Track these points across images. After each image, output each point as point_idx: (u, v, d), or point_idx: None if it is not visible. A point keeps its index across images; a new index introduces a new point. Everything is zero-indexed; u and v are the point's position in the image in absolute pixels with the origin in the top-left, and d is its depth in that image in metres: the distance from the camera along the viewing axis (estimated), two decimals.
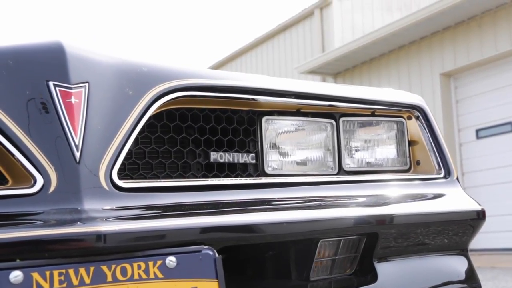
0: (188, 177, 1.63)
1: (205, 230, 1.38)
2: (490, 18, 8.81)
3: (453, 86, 9.54)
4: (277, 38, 14.02)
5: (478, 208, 1.86)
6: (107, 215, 1.29)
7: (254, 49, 14.90)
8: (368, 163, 1.92)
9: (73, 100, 1.33)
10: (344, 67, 11.36)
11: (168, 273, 1.28)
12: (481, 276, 1.99)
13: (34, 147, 1.29)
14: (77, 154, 1.30)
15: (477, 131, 9.14)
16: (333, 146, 1.83)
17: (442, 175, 1.94)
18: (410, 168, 1.98)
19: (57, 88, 1.33)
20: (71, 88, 1.34)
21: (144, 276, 1.25)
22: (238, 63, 15.56)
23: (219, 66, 16.38)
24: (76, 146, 1.31)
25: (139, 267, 1.26)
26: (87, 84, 1.37)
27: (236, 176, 1.67)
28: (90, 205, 1.28)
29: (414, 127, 1.99)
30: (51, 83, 1.33)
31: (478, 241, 6.53)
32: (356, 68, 11.23)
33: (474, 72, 9.23)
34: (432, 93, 9.57)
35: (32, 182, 1.28)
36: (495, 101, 8.86)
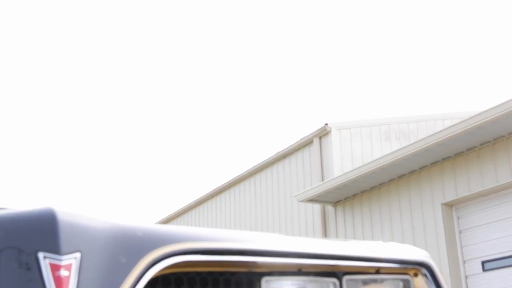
0: None
1: None
2: (489, 149, 8.90)
3: (455, 216, 9.46)
4: (276, 166, 14.13)
5: None
6: None
7: (253, 177, 14.97)
8: None
9: (62, 273, 1.26)
10: (344, 196, 11.34)
11: None
12: None
13: None
14: None
15: (483, 263, 8.94)
16: None
17: None
18: None
19: (47, 260, 1.27)
20: (61, 260, 1.28)
21: None
22: (237, 191, 15.58)
23: (217, 193, 16.40)
24: None
25: None
26: (78, 254, 1.31)
27: None
28: None
29: (421, 284, 1.91)
30: (40, 255, 1.27)
31: None
32: (356, 197, 11.21)
33: (477, 203, 9.18)
34: (434, 223, 9.48)
35: None
36: (500, 232, 8.73)
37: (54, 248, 1.29)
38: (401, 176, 10.30)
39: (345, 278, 1.78)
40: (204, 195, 16.96)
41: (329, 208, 11.94)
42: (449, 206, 9.53)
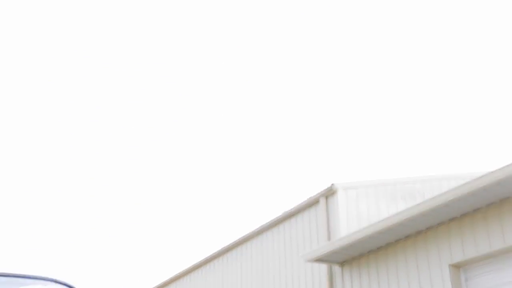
0: None
1: None
2: (495, 210, 8.94)
3: (463, 277, 9.42)
4: (282, 226, 14.14)
5: None
6: None
7: (259, 236, 14.95)
8: None
9: None
10: (350, 256, 11.32)
11: None
12: None
13: None
14: None
15: None
16: None
17: None
18: None
19: None
20: None
21: None
22: (243, 251, 15.53)
23: (223, 253, 16.33)
24: None
25: None
26: None
27: None
28: None
29: None
30: None
31: None
32: (363, 257, 11.19)
33: (485, 264, 9.15)
34: (442, 284, 9.43)
35: None
36: None
37: None
38: (407, 237, 10.30)
39: None
40: (210, 255, 16.90)
41: (336, 268, 11.89)
42: (457, 267, 9.50)
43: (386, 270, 10.59)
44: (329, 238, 12.31)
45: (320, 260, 11.59)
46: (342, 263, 11.65)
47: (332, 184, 12.61)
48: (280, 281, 13.71)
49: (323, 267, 12.27)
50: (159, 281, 19.46)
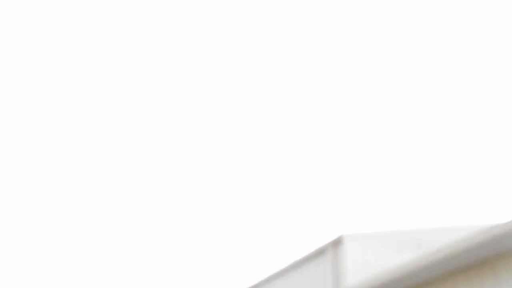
0: None
1: None
2: (503, 262, 8.89)
3: None
4: (289, 275, 14.06)
5: None
6: None
7: (266, 286, 14.86)
8: None
9: None
10: None
11: None
12: None
13: None
14: None
15: None
16: None
17: None
18: None
19: None
20: None
21: None
22: None
23: None
24: None
25: None
26: None
27: None
28: None
29: None
30: None
31: None
32: None
33: None
34: None
35: None
36: None
37: None
38: None
39: None
40: None
41: None
42: None
43: None
44: None
45: None
46: None
47: (340, 235, 12.59)
48: None
49: None
50: None
